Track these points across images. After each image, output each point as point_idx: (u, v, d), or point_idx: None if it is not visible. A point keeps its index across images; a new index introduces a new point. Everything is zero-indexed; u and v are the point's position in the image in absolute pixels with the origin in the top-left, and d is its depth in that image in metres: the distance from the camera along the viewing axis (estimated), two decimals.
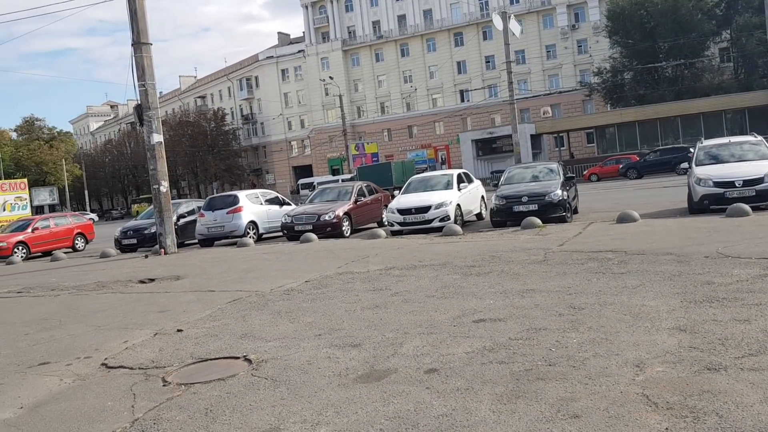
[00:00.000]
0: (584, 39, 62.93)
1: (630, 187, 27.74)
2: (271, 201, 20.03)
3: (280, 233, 17.92)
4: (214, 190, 70.50)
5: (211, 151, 73.70)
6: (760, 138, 14.81)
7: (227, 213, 18.24)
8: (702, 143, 15.35)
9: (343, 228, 16.83)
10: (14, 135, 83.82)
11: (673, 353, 4.37)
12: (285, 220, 17.38)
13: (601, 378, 4.03)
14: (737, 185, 12.75)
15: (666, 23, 46.16)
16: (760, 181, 12.64)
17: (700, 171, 13.57)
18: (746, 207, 11.73)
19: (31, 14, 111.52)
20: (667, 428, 3.25)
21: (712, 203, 12.92)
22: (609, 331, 5.08)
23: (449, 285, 7.77)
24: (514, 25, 33.62)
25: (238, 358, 5.39)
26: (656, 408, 3.49)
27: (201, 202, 20.55)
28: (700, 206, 13.15)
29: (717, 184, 12.95)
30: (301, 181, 60.82)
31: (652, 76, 49.49)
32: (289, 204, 20.50)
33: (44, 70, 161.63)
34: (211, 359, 5.47)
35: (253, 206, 18.83)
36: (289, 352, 5.37)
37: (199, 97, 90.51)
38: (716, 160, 14.15)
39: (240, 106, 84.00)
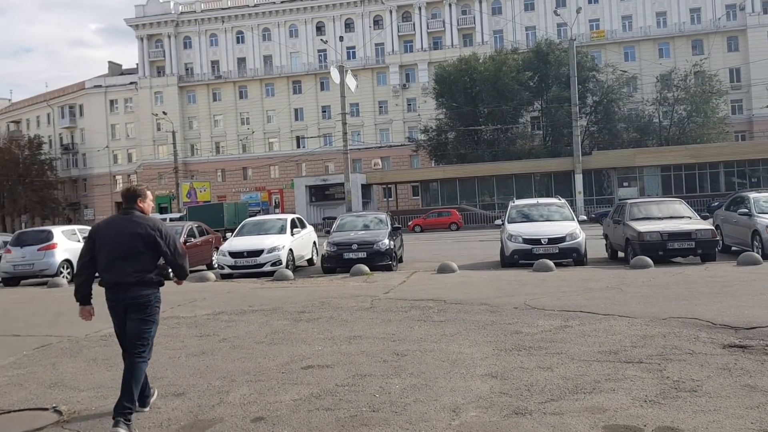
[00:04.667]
0: (414, 98, 66.55)
1: (450, 239, 29.47)
2: None
3: None
4: (23, 224, 64.16)
5: (22, 180, 67.22)
6: (563, 201, 16.59)
7: (38, 250, 16.70)
8: (514, 202, 16.84)
9: (169, 270, 16.11)
10: None
11: (485, 398, 4.75)
12: None
13: (420, 423, 4.28)
14: (543, 242, 14.10)
15: (487, 90, 50.20)
16: (562, 239, 14.09)
17: (511, 228, 14.85)
18: (550, 263, 13.02)
19: None
20: None
21: (521, 258, 14.14)
22: (429, 377, 5.40)
23: (279, 331, 7.78)
24: (350, 80, 34.95)
25: (46, 409, 4.99)
26: None
27: (8, 237, 18.67)
28: (511, 260, 14.34)
29: (526, 241, 14.22)
30: None
31: (472, 137, 53.32)
32: None
33: None
34: (14, 411, 5.02)
35: (69, 243, 17.42)
36: (105, 402, 5.07)
37: (12, 121, 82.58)
38: (526, 218, 15.59)
39: (60, 134, 77.88)
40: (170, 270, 4.81)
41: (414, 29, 66.69)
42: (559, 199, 16.81)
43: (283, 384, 5.40)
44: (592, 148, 49.91)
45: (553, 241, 14.10)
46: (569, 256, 14.09)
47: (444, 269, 13.52)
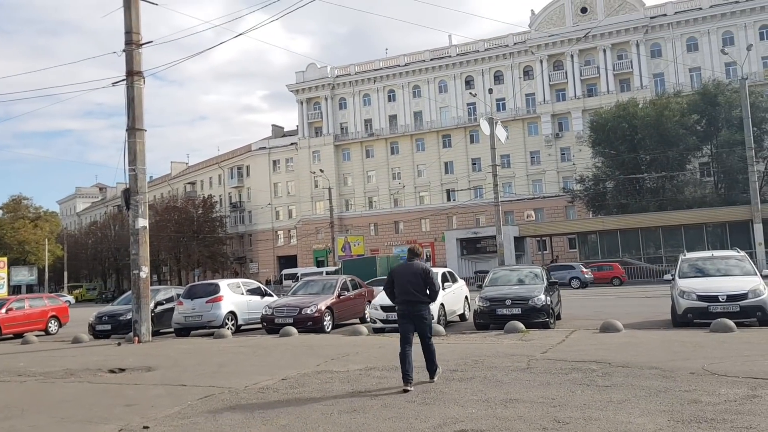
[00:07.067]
0: (567, 147, 64.74)
1: (612, 295, 27.75)
2: (253, 291, 19.71)
3: (260, 325, 17.50)
4: (196, 277, 69.66)
5: (196, 237, 73.33)
6: (743, 254, 14.91)
7: (206, 302, 17.83)
8: (685, 255, 15.42)
9: (325, 323, 16.49)
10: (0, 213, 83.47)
11: None
12: (266, 312, 17.01)
13: None
14: (721, 300, 12.69)
15: (649, 136, 47.42)
16: (744, 297, 12.60)
17: (684, 283, 13.56)
18: (731, 323, 11.67)
19: (31, 95, 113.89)
20: None
21: (695, 317, 12.81)
22: None
23: (430, 390, 7.53)
24: (500, 131, 34.70)
25: None
26: None
27: (181, 290, 20.15)
28: (683, 319, 13.05)
29: (701, 298, 12.88)
30: (285, 271, 60.43)
31: (634, 186, 50.51)
32: (271, 295, 20.17)
33: (38, 150, 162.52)
34: None
35: (233, 296, 18.48)
36: None
37: (189, 183, 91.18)
38: (701, 273, 14.17)
39: (229, 193, 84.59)
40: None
41: (566, 77, 65.43)
42: (738, 252, 15.18)
43: None
44: None
45: (733, 298, 12.65)
46: (752, 315, 12.59)
47: (607, 328, 12.57)
